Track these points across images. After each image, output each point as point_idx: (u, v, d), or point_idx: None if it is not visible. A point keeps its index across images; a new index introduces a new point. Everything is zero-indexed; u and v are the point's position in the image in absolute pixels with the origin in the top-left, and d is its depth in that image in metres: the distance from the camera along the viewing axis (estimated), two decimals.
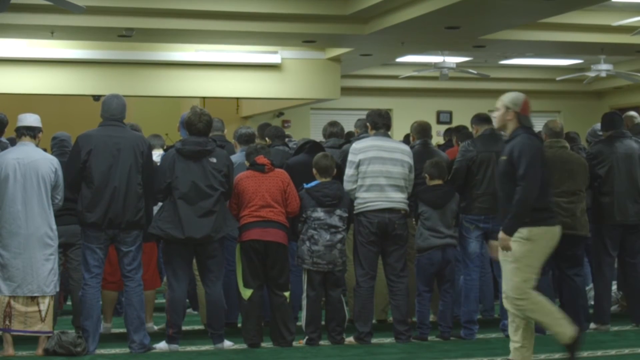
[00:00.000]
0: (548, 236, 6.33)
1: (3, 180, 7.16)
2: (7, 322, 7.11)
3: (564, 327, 6.26)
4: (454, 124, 16.31)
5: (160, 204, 7.60)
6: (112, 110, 7.44)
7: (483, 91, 19.86)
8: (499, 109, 6.48)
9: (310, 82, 15.72)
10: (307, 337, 7.76)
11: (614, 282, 9.22)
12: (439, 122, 20.17)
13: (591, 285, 9.08)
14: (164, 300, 8.78)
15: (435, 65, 15.92)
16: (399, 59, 16.92)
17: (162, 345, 7.48)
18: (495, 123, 6.71)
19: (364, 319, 7.79)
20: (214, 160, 7.45)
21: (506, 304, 6.33)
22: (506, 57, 17.63)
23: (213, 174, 7.43)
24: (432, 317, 8.31)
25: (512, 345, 6.33)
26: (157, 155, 8.40)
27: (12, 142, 7.64)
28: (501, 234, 6.24)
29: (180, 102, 18.24)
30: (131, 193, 7.28)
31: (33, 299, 7.15)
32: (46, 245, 7.18)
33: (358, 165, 7.79)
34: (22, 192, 7.14)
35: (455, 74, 16.63)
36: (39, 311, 7.16)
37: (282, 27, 12.67)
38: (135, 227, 7.32)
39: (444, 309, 8.01)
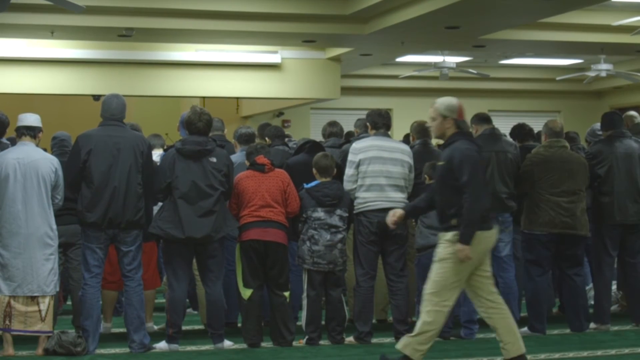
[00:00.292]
0: (481, 241, 6.19)
1: (3, 180, 7.16)
2: (7, 322, 7.11)
3: (422, 346, 6.21)
4: None
5: (160, 203, 7.60)
6: (112, 110, 7.44)
7: (483, 91, 19.88)
8: (435, 119, 6.35)
9: (310, 82, 15.72)
10: (307, 337, 7.76)
11: (614, 282, 9.23)
12: None
13: (591, 285, 9.08)
14: (164, 300, 8.79)
15: (435, 65, 15.92)
16: (399, 59, 16.92)
17: (162, 345, 7.48)
18: (433, 133, 6.59)
19: (364, 318, 7.79)
20: (214, 159, 7.45)
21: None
22: (506, 57, 17.63)
23: (213, 173, 7.43)
24: None
25: (500, 346, 6.34)
26: (157, 155, 8.40)
27: (12, 141, 7.64)
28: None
29: (180, 101, 18.24)
30: (131, 193, 7.27)
31: (33, 299, 7.15)
32: (46, 245, 7.18)
33: (358, 165, 7.79)
34: (22, 192, 7.14)
35: (455, 73, 16.63)
36: (39, 311, 7.16)
37: (282, 26, 12.68)
38: (135, 226, 7.32)
39: None
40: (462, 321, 8.08)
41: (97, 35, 13.34)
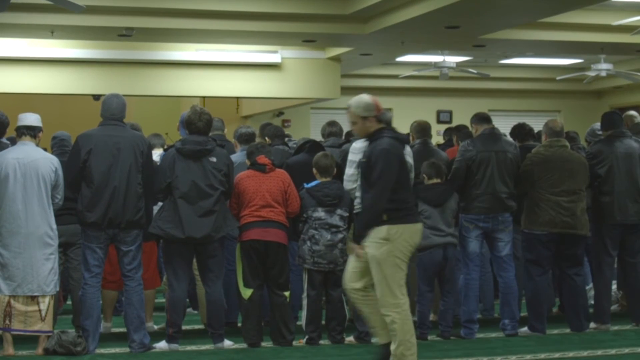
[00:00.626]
0: (407, 234, 6.16)
1: (3, 180, 7.16)
2: (7, 322, 7.11)
3: (409, 354, 6.12)
4: (454, 123, 16.31)
5: (160, 203, 7.60)
6: (112, 110, 7.44)
7: (483, 90, 19.89)
8: (355, 122, 6.28)
9: (310, 81, 15.73)
10: (307, 337, 7.76)
11: (614, 282, 9.23)
12: (439, 121, 20.17)
13: (591, 285, 9.08)
14: (164, 300, 8.79)
15: (435, 65, 15.92)
16: (399, 59, 16.92)
17: (162, 345, 7.48)
18: (358, 135, 6.52)
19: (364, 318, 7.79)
20: (214, 159, 7.45)
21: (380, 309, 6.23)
22: (506, 57, 17.63)
23: (213, 173, 7.43)
24: (432, 317, 8.31)
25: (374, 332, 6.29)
26: (157, 154, 8.40)
27: (12, 141, 7.64)
28: (349, 243, 6.16)
29: (180, 101, 18.25)
30: (131, 192, 7.27)
31: (33, 299, 7.15)
32: (46, 245, 7.18)
33: (358, 164, 7.77)
34: (22, 192, 7.14)
35: (456, 73, 16.64)
36: (39, 310, 7.16)
37: (282, 26, 12.68)
38: (135, 226, 7.32)
39: (445, 309, 8.00)
40: (462, 321, 8.08)
41: (97, 35, 13.34)
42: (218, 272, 7.58)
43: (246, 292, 7.61)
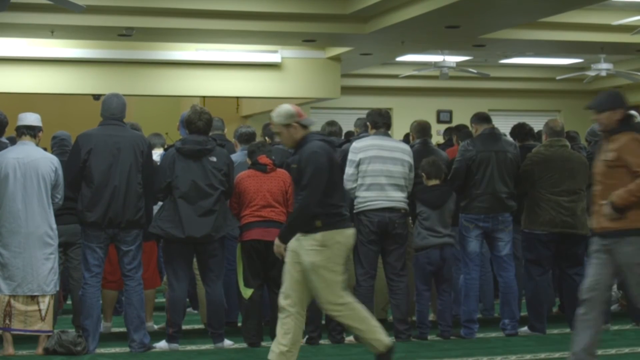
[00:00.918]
0: (342, 239, 6.11)
1: (3, 179, 7.16)
2: (7, 321, 7.11)
3: (379, 335, 6.09)
4: (454, 123, 16.30)
5: (160, 203, 7.60)
6: (112, 110, 7.44)
7: (483, 90, 19.87)
8: (280, 132, 6.21)
9: (311, 81, 15.72)
10: (307, 336, 7.76)
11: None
12: (439, 121, 20.15)
13: None
14: (164, 300, 8.79)
15: (435, 65, 15.91)
16: (399, 58, 16.91)
17: (162, 345, 7.48)
18: (286, 145, 6.48)
19: None
20: (214, 159, 7.45)
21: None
22: (506, 57, 17.63)
23: (213, 173, 7.43)
24: (431, 317, 8.31)
25: (278, 348, 6.10)
26: (157, 154, 8.40)
27: (12, 141, 7.64)
28: (276, 241, 6.14)
29: (180, 101, 18.24)
30: (131, 192, 7.27)
31: (33, 298, 7.15)
32: (46, 244, 7.18)
33: (358, 164, 7.79)
34: (22, 191, 7.14)
35: (456, 73, 16.63)
36: (39, 310, 7.16)
37: (282, 26, 12.68)
38: (135, 226, 7.32)
39: (443, 308, 8.01)
40: (462, 320, 8.08)
41: (97, 35, 13.34)
42: (218, 271, 7.58)
43: (246, 292, 7.61)
